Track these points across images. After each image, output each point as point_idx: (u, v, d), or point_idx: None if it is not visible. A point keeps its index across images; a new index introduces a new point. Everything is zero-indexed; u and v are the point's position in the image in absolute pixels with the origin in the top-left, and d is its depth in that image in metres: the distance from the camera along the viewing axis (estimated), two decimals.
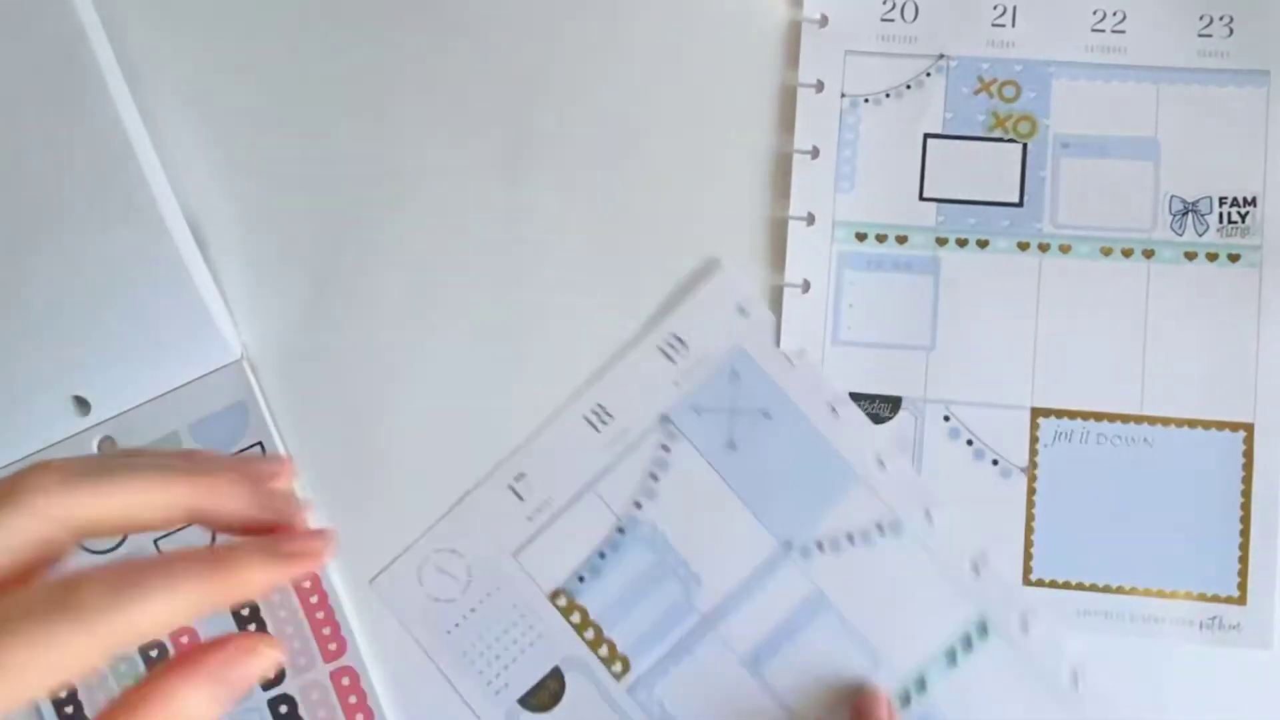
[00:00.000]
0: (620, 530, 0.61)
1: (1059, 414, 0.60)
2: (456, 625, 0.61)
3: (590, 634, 0.60)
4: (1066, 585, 0.59)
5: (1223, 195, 0.59)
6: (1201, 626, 0.58)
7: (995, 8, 0.60)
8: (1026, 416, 0.60)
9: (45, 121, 0.60)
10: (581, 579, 0.61)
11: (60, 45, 0.59)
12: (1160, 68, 0.60)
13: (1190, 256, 0.59)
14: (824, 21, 0.61)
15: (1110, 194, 0.60)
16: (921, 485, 0.60)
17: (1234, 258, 0.59)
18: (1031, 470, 0.59)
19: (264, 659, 0.38)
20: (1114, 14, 0.60)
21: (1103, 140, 0.60)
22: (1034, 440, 0.60)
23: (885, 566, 0.60)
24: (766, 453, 0.60)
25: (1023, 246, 0.60)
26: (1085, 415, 0.59)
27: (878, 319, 0.61)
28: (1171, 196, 0.60)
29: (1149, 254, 0.59)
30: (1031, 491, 0.59)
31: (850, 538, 0.60)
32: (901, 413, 0.60)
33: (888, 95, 0.61)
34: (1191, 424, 0.59)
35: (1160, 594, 0.59)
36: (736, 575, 0.60)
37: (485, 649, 0.60)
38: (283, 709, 0.60)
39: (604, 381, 0.61)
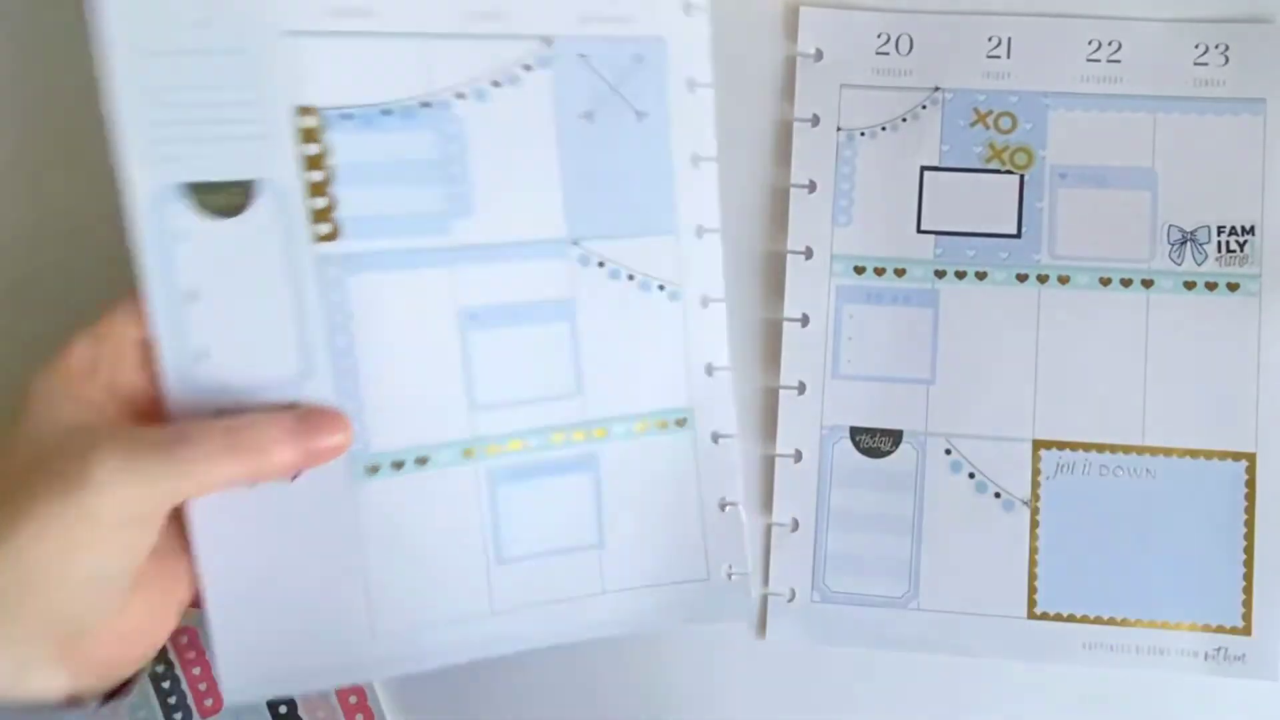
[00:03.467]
0: (426, 104, 0.52)
1: (1061, 445, 0.59)
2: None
3: (317, 176, 0.50)
4: (1071, 618, 0.59)
5: (1221, 224, 0.59)
6: (1207, 658, 0.58)
7: (990, 39, 0.60)
8: (1028, 449, 0.60)
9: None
10: (350, 116, 0.51)
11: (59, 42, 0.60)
12: (1156, 97, 0.60)
13: (1189, 286, 0.59)
14: (819, 56, 0.61)
15: (1108, 224, 0.60)
16: (718, 277, 0.59)
17: (1233, 286, 0.59)
18: (1034, 503, 0.59)
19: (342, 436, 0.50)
20: (1109, 44, 0.60)
21: (1100, 170, 0.60)
22: (1036, 473, 0.59)
23: (641, 319, 0.57)
24: (615, 148, 0.56)
25: (1021, 278, 0.60)
26: (1087, 446, 0.59)
27: (877, 352, 0.60)
28: (1169, 226, 0.60)
29: (1148, 284, 0.59)
30: (1034, 524, 0.59)
31: (631, 276, 0.57)
32: (903, 446, 0.60)
33: (884, 128, 0.61)
34: (1194, 454, 0.59)
35: (1165, 626, 0.59)
36: (508, 231, 0.54)
37: (182, 94, 0.48)
38: (282, 709, 0.59)
39: None
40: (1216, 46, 0.60)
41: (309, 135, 0.50)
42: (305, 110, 0.50)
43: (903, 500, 0.60)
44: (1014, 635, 0.59)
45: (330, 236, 0.51)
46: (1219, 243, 0.59)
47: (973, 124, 0.60)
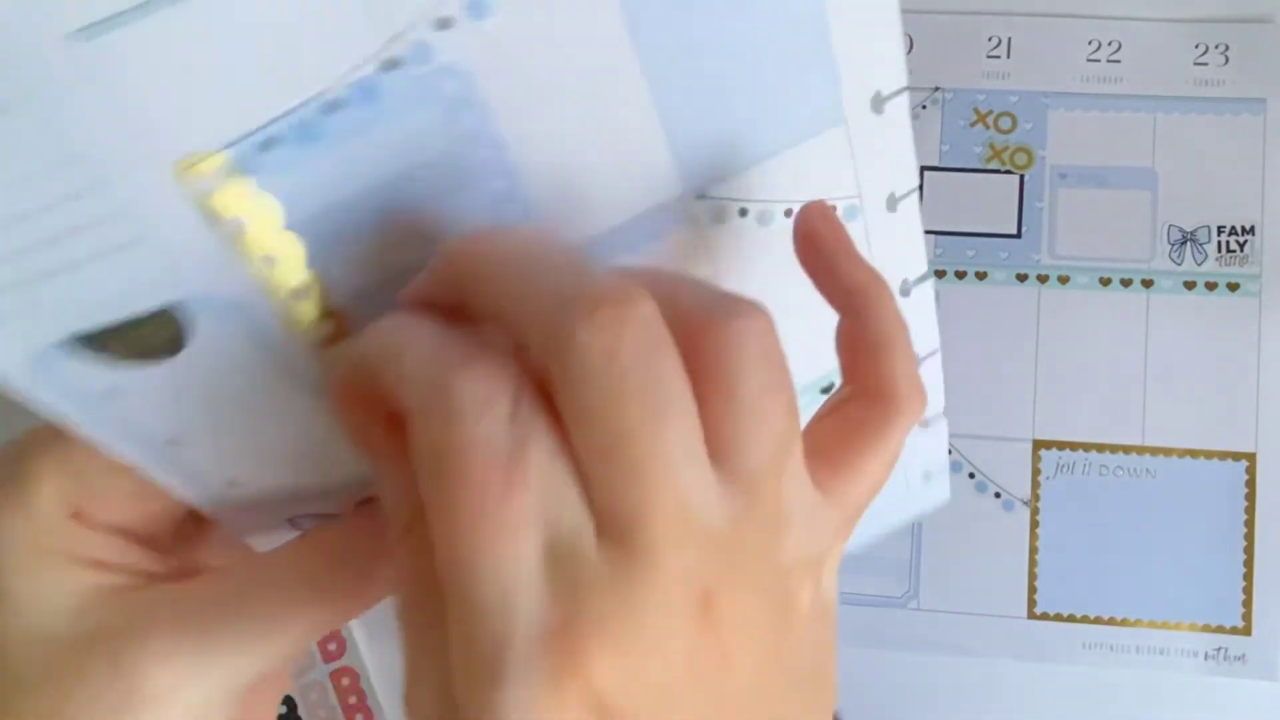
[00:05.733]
0: (389, 63, 0.28)
1: (1061, 445, 0.59)
2: None
3: (264, 253, 0.29)
4: (1071, 618, 0.59)
5: (1221, 224, 0.59)
6: (1206, 658, 0.58)
7: (990, 39, 0.60)
8: (1028, 449, 0.59)
9: None
10: (268, 144, 0.28)
11: None
12: (1157, 97, 0.60)
13: (1189, 286, 0.59)
14: None
15: (1108, 224, 0.60)
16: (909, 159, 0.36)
17: (1233, 286, 0.59)
18: (1034, 503, 0.59)
19: None
20: (1109, 44, 0.60)
21: (1100, 170, 0.60)
22: (1036, 473, 0.59)
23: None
24: (711, 28, 0.31)
25: (1021, 278, 0.60)
26: (1087, 447, 0.59)
27: None
28: (1169, 226, 0.60)
29: (1148, 284, 0.59)
30: (1034, 524, 0.59)
31: (789, 211, 0.35)
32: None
33: None
34: (1194, 454, 0.59)
35: (1165, 625, 0.58)
36: (607, 215, 0.33)
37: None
38: (282, 709, 0.59)
39: None
40: (1216, 46, 0.60)
41: (228, 200, 0.28)
42: (190, 164, 0.28)
43: None
44: (1014, 635, 0.59)
45: (337, 336, 0.32)
46: (1219, 243, 0.59)
47: (973, 124, 0.60)
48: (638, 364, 0.26)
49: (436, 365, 0.26)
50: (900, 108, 0.35)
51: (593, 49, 0.30)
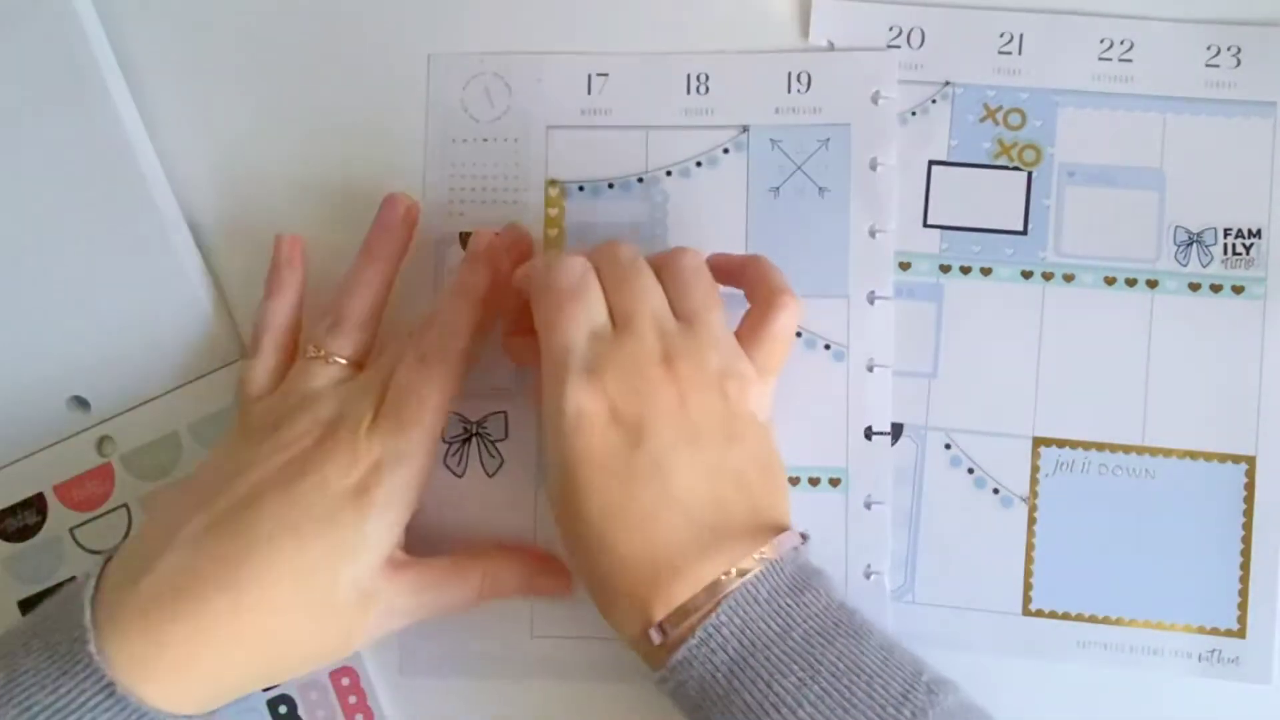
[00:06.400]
0: (640, 179, 0.62)
1: (1060, 443, 0.59)
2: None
3: (553, 232, 0.63)
4: (1066, 616, 0.59)
5: (1227, 226, 0.59)
6: (1200, 659, 0.58)
7: (1002, 35, 0.61)
8: (1028, 446, 0.59)
9: (45, 122, 0.60)
10: (583, 188, 0.63)
11: (60, 45, 0.60)
12: (1167, 98, 0.60)
13: (1194, 288, 0.59)
14: (830, 48, 0.61)
15: (1114, 224, 0.60)
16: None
17: (1238, 289, 0.59)
18: (1032, 500, 0.59)
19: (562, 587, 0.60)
20: (1121, 43, 0.60)
21: (1108, 169, 0.60)
22: (1035, 470, 0.59)
23: (803, 375, 0.61)
24: (797, 219, 0.61)
25: (1026, 275, 0.60)
26: (1087, 445, 0.59)
27: None
28: (1176, 227, 0.60)
29: (1153, 284, 0.59)
30: (1032, 521, 0.59)
31: (799, 333, 0.56)
32: (903, 440, 0.60)
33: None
34: (1193, 456, 0.59)
35: (1160, 626, 0.58)
36: None
37: (472, 169, 0.63)
38: (282, 709, 0.59)
39: None
40: (1229, 48, 0.60)
41: (551, 201, 0.62)
42: (552, 183, 0.62)
43: (901, 493, 0.60)
44: (1008, 632, 0.59)
45: None
46: (1225, 245, 0.59)
47: (982, 119, 0.61)
48: (628, 258, 0.54)
49: (549, 260, 0.54)
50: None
51: (723, 215, 0.63)
